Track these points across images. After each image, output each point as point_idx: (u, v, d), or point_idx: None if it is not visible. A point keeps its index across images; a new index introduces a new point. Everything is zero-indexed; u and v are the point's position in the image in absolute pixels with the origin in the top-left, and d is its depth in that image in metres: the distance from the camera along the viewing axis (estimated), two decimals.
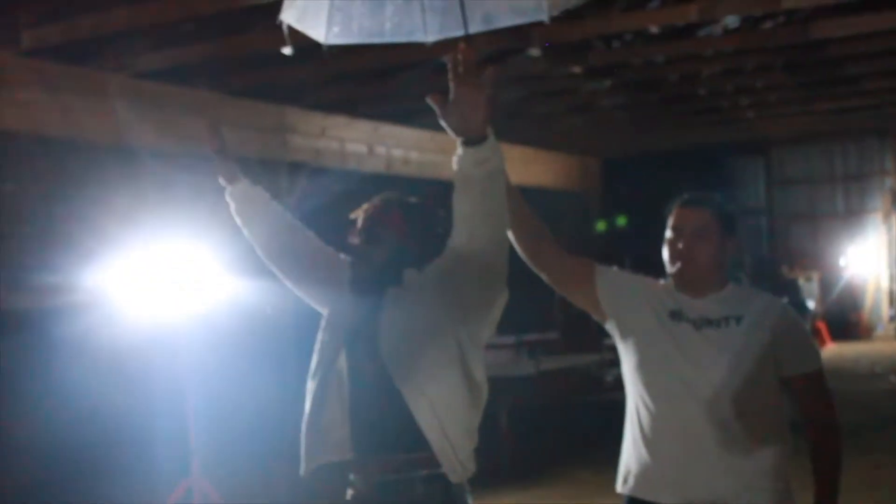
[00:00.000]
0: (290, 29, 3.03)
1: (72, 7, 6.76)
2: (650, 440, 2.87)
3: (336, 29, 3.07)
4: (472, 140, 2.43)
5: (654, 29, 8.63)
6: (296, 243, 2.99)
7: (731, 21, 8.53)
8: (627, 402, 2.98)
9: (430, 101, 2.42)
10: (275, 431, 7.76)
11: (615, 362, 11.70)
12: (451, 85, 2.39)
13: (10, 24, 6.81)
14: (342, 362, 2.77)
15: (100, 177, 8.07)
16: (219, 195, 3.03)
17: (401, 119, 11.10)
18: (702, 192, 3.02)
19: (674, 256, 2.93)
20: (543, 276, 3.04)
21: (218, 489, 6.51)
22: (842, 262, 17.57)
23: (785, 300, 3.22)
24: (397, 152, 11.16)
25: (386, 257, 2.78)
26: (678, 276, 2.93)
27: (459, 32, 2.89)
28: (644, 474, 2.89)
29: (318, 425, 2.76)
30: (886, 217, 17.45)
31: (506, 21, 3.12)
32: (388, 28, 3.11)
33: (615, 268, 3.09)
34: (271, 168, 9.50)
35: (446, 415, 2.63)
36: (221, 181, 3.00)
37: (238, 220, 3.01)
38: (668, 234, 2.95)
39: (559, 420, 10.45)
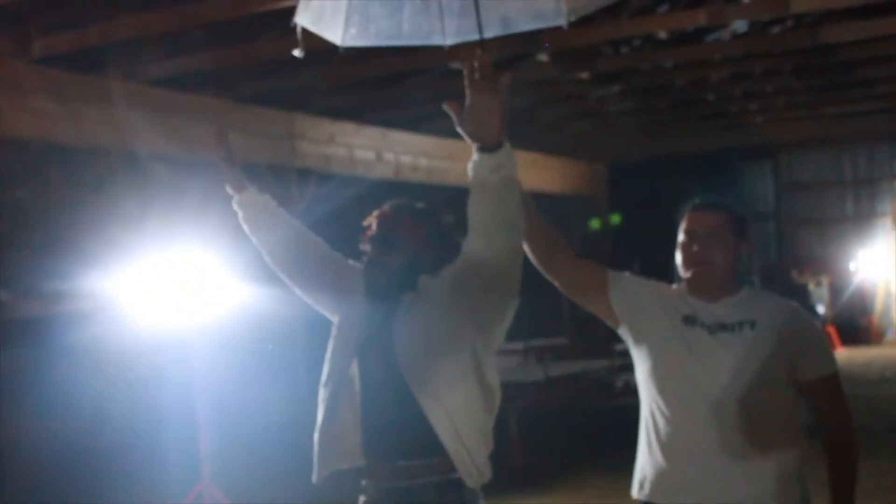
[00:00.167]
0: (304, 32, 3.02)
1: (82, 16, 6.78)
2: (666, 445, 2.86)
3: (353, 31, 3.06)
4: (488, 146, 2.43)
5: (662, 34, 8.63)
6: (304, 251, 2.98)
7: (740, 26, 8.53)
8: (641, 407, 2.96)
9: (446, 107, 2.43)
10: (285, 437, 7.77)
11: (625, 368, 11.76)
12: (468, 91, 2.40)
13: (21, 33, 6.83)
14: (354, 369, 2.77)
15: (109, 184, 8.10)
16: (227, 202, 3.04)
17: (409, 125, 11.10)
18: (715, 195, 3.00)
19: (688, 260, 2.91)
20: (556, 283, 3.04)
21: (227, 495, 6.52)
22: (851, 266, 17.51)
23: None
24: (406, 159, 11.16)
25: (400, 264, 2.77)
26: (692, 280, 2.91)
27: (476, 36, 2.88)
28: (660, 479, 2.87)
29: (331, 433, 2.76)
30: None
31: (524, 25, 3.11)
32: (406, 30, 3.09)
33: (628, 273, 3.08)
34: (280, 174, 9.51)
35: (463, 421, 2.64)
36: (229, 190, 3.00)
37: (246, 229, 3.01)
38: (681, 237, 2.93)
39: (569, 426, 10.44)
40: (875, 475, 7.01)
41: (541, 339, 11.81)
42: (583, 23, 3.12)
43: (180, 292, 6.46)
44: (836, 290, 17.47)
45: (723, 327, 2.84)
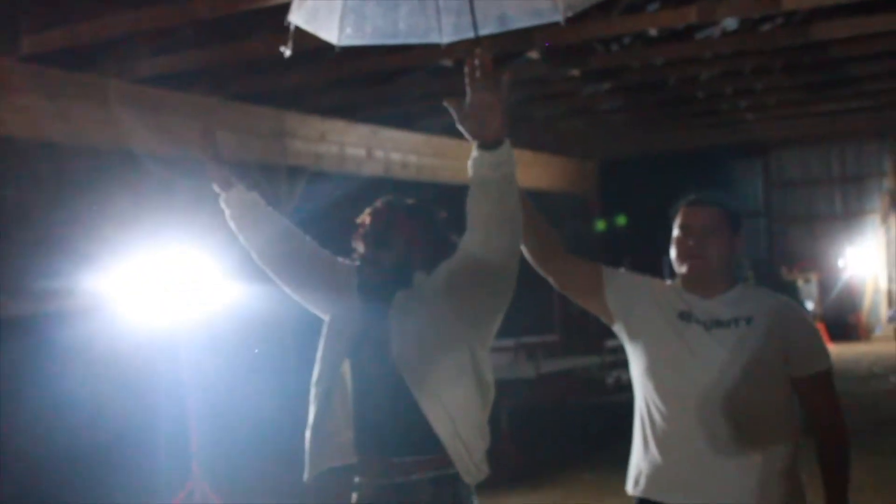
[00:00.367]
0: (298, 31, 3.01)
1: (72, 13, 6.76)
2: (661, 442, 2.86)
3: (349, 30, 3.05)
4: (488, 143, 2.44)
5: (653, 31, 8.65)
6: (292, 249, 2.95)
7: (730, 23, 8.54)
8: (636, 403, 2.96)
9: (447, 104, 2.43)
10: (275, 434, 7.76)
11: (616, 364, 11.76)
12: (468, 89, 2.41)
13: (11, 30, 6.81)
14: (346, 367, 2.77)
15: (100, 182, 8.08)
16: (218, 200, 3.02)
17: (399, 123, 11.11)
18: (709, 191, 3.00)
19: (683, 255, 2.91)
20: (551, 280, 3.04)
21: (219, 493, 6.51)
22: (840, 263, 17.58)
23: None
24: (396, 156, 11.16)
25: (394, 260, 2.77)
26: (688, 275, 2.91)
27: (473, 34, 2.88)
28: (655, 476, 2.88)
29: (323, 431, 2.76)
30: (884, 218, 17.46)
31: (521, 22, 3.10)
32: (403, 29, 3.08)
33: (623, 270, 3.08)
34: (271, 172, 9.50)
35: (461, 418, 2.64)
36: (215, 188, 2.97)
37: (233, 227, 2.98)
38: (676, 233, 2.93)
39: (560, 423, 10.45)
40: (864, 472, 7.04)
41: (532, 336, 11.81)
42: (574, 20, 3.12)
43: (171, 290, 6.45)
44: (824, 287, 17.54)
45: (718, 323, 2.85)
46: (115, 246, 6.69)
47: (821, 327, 16.03)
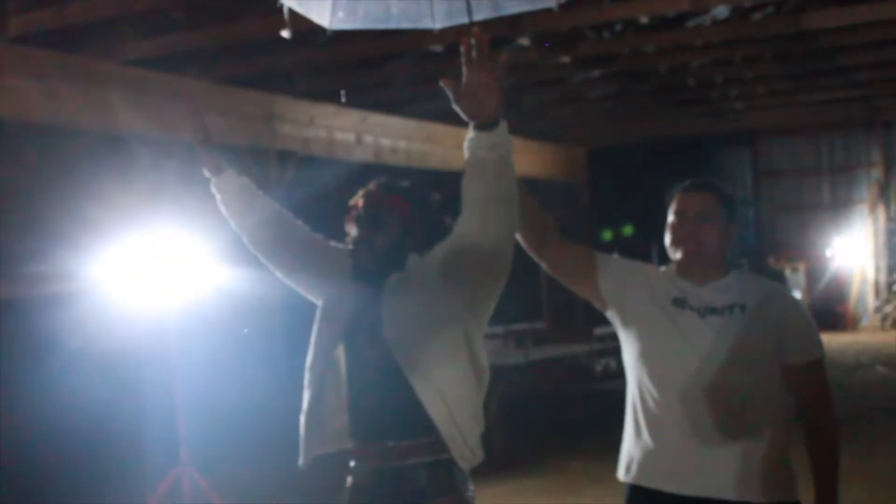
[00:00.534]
0: (290, 13, 3.00)
1: None
2: (653, 428, 2.85)
3: (341, 14, 3.03)
4: (485, 124, 2.43)
5: (644, 19, 8.62)
6: (283, 233, 2.94)
7: (721, 11, 8.52)
8: (628, 389, 2.95)
9: (443, 84, 2.42)
10: (264, 420, 7.75)
11: (605, 352, 11.76)
12: (465, 69, 2.40)
13: None
14: (340, 351, 2.75)
15: (89, 165, 8.03)
16: (208, 184, 3.00)
17: (389, 108, 11.07)
18: (704, 178, 2.99)
19: (677, 240, 2.90)
20: (545, 266, 3.02)
21: (207, 478, 6.49)
22: (828, 253, 17.65)
23: None
24: (385, 141, 11.13)
25: (388, 243, 2.75)
26: (682, 260, 2.90)
27: (466, 19, 2.87)
28: (647, 462, 2.87)
29: (317, 416, 2.74)
30: (873, 208, 17.52)
31: (515, 8, 3.10)
32: (395, 13, 3.07)
33: (616, 256, 3.08)
34: (259, 156, 9.47)
35: (456, 402, 2.62)
36: (205, 172, 2.96)
37: (224, 211, 2.97)
38: (671, 218, 2.92)
39: (549, 410, 10.47)
40: (852, 460, 7.07)
41: (520, 324, 11.81)
42: (565, 6, 3.11)
43: (160, 274, 6.42)
44: (812, 277, 17.61)
45: (712, 310, 2.84)
46: (104, 229, 6.64)
47: None
